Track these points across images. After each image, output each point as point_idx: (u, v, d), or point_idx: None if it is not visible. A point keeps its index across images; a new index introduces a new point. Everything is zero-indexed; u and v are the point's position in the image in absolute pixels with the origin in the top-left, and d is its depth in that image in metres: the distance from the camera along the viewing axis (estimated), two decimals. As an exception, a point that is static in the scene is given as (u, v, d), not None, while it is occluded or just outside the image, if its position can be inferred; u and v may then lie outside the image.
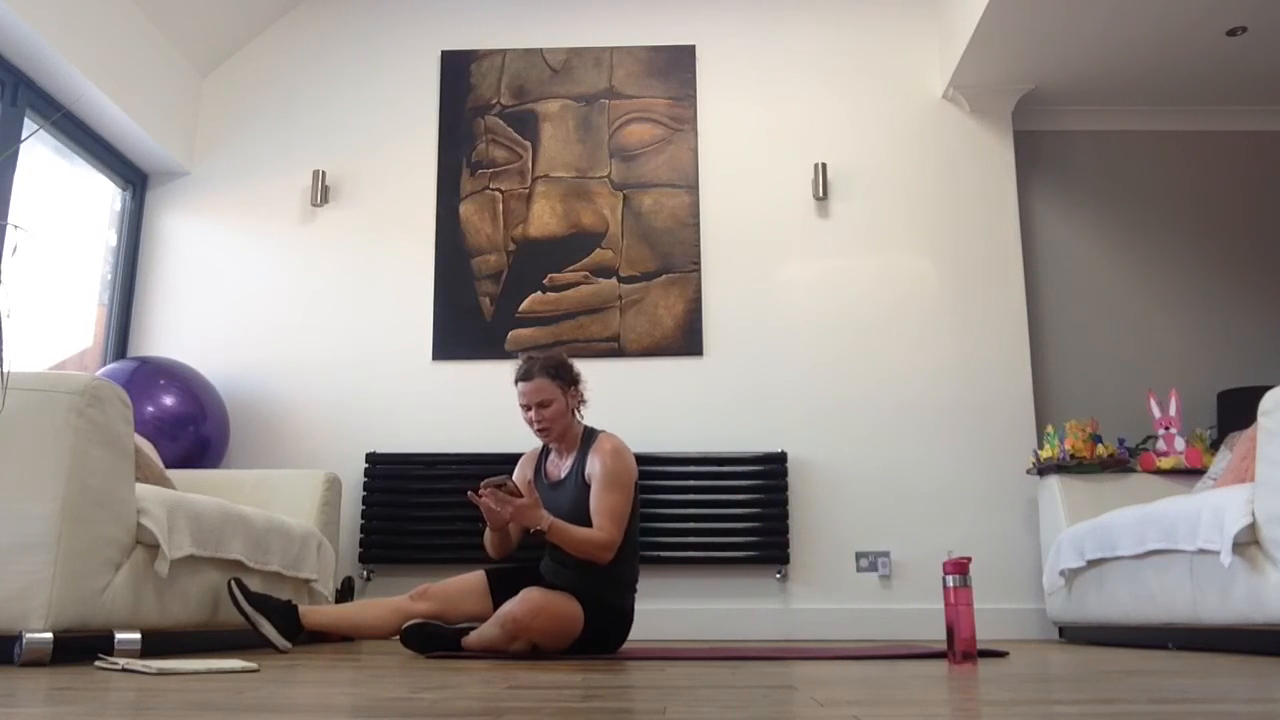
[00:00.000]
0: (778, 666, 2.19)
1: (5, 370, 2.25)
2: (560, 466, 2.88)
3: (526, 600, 2.60)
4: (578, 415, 2.88)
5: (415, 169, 4.57)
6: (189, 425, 3.86)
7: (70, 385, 2.30)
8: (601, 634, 2.72)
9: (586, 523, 2.72)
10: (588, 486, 2.76)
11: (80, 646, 2.34)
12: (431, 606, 2.80)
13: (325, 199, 4.51)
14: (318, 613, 2.79)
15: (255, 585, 3.04)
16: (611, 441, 2.78)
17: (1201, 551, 2.82)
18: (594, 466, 2.75)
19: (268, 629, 2.69)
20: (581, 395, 2.87)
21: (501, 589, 2.80)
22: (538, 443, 3.00)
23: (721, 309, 4.38)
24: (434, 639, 2.72)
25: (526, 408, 2.79)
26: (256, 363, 4.39)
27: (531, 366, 2.79)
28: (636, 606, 3.01)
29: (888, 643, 3.69)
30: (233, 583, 2.69)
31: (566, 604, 2.65)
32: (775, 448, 4.23)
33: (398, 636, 2.76)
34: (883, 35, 4.66)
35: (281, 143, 4.62)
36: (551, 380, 2.77)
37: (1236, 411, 4.10)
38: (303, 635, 2.80)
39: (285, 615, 2.72)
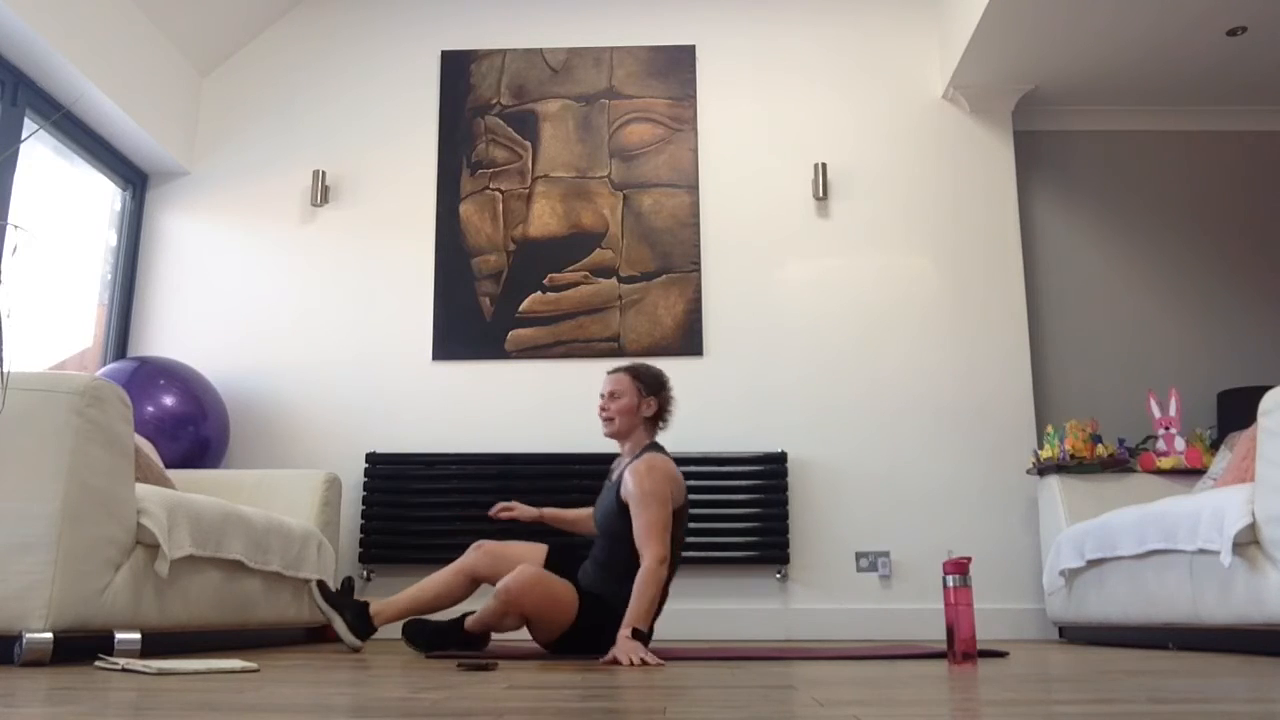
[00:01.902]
0: (778, 666, 2.19)
1: (5, 370, 2.25)
2: (615, 469, 2.96)
3: (521, 574, 2.64)
4: (647, 428, 2.90)
5: (415, 169, 4.57)
6: (189, 425, 3.86)
7: (70, 385, 2.30)
8: (594, 631, 2.73)
9: (620, 531, 2.76)
10: (623, 503, 2.78)
11: (80, 646, 2.34)
12: (483, 561, 2.87)
13: (325, 199, 4.51)
14: (388, 606, 2.86)
15: (256, 584, 3.04)
16: (649, 460, 2.76)
17: (1201, 551, 2.82)
18: (628, 485, 2.76)
19: (340, 625, 2.78)
20: (656, 407, 2.89)
21: (560, 566, 2.86)
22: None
23: (721, 309, 4.38)
24: (437, 633, 2.74)
25: (602, 396, 2.92)
26: (256, 363, 4.39)
27: (622, 365, 2.96)
28: None
29: (888, 643, 3.69)
30: (315, 584, 2.84)
31: (562, 589, 2.69)
32: (775, 448, 4.23)
33: (402, 634, 2.79)
34: (883, 35, 4.66)
35: (281, 143, 4.62)
36: (631, 379, 2.89)
37: (1236, 411, 4.10)
38: (375, 633, 2.88)
39: (357, 614, 2.81)
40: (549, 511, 3.09)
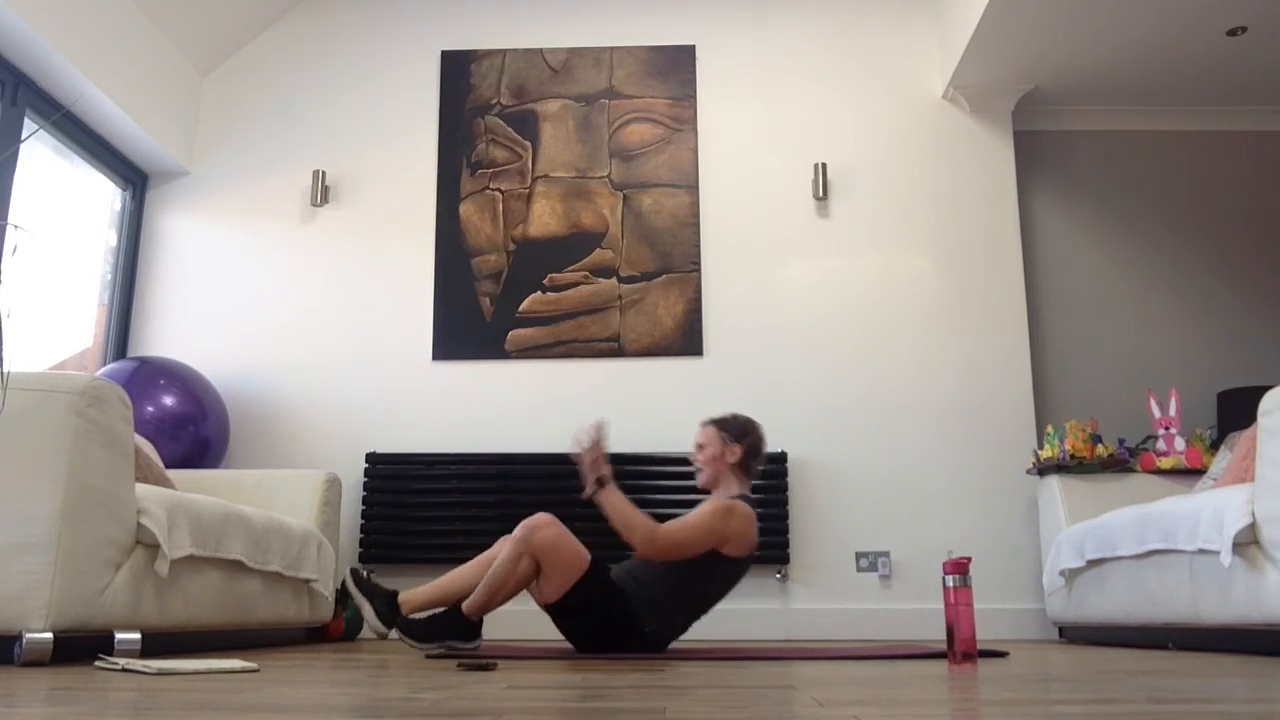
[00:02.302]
0: (778, 666, 2.19)
1: (5, 370, 2.25)
2: None
3: (539, 516, 2.72)
4: (737, 475, 2.98)
5: (415, 169, 4.57)
6: (189, 425, 3.86)
7: (70, 385, 2.30)
8: (595, 611, 2.74)
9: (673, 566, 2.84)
10: None
11: (80, 646, 2.34)
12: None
13: (325, 199, 4.51)
14: (416, 595, 2.87)
15: (256, 584, 3.04)
16: (734, 505, 2.85)
17: (1201, 551, 2.82)
18: (704, 505, 2.89)
19: (368, 611, 2.81)
20: (741, 453, 2.98)
21: None
22: None
23: (721, 309, 4.38)
24: (431, 624, 2.76)
25: (694, 448, 3.07)
26: (256, 363, 4.39)
27: (710, 418, 3.07)
28: None
29: (888, 643, 3.69)
30: (349, 571, 2.89)
31: (577, 544, 2.73)
32: (775, 448, 4.23)
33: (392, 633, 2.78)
34: (883, 35, 4.66)
35: (281, 143, 4.62)
36: (717, 430, 3.01)
37: (1236, 411, 4.10)
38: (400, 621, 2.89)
39: (387, 602, 2.84)
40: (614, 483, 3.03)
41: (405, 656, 2.65)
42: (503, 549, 2.76)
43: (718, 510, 2.82)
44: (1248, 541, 2.60)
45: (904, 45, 4.65)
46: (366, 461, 4.18)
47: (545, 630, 4.04)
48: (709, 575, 2.83)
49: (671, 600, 2.80)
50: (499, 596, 2.73)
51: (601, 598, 2.75)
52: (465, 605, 2.75)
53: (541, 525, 2.70)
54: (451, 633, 2.76)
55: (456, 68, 4.65)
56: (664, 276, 4.40)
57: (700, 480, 3.03)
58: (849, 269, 4.42)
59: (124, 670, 1.96)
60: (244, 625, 3.01)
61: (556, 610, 2.76)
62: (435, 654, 2.69)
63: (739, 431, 3.00)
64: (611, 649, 2.77)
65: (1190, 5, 3.86)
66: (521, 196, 4.50)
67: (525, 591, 2.83)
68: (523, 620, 4.04)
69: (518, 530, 2.71)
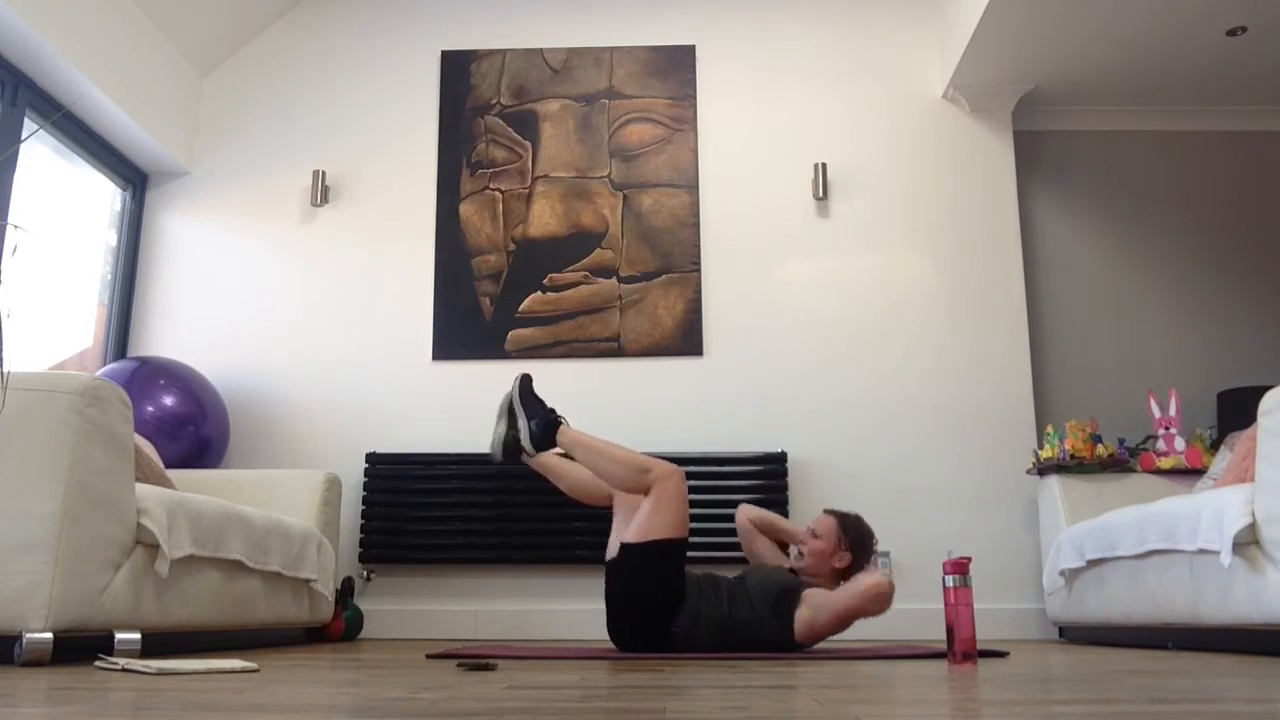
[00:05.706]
0: (778, 666, 2.19)
1: (5, 370, 2.25)
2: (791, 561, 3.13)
3: (682, 476, 2.81)
4: (833, 580, 2.96)
5: (415, 169, 4.57)
6: (189, 425, 3.86)
7: (70, 385, 2.30)
8: (647, 580, 2.77)
9: (771, 601, 2.83)
10: (798, 592, 2.84)
11: (80, 646, 2.34)
12: (671, 485, 2.86)
13: (325, 199, 4.51)
14: (579, 435, 2.91)
15: (256, 584, 3.04)
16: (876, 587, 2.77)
17: (1201, 551, 2.82)
18: (827, 593, 2.84)
19: (522, 426, 2.91)
20: (849, 562, 2.95)
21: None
22: None
23: (721, 309, 4.38)
24: (540, 406, 2.95)
25: (807, 529, 3.04)
26: (256, 363, 4.39)
27: (836, 510, 3.10)
28: None
29: (888, 643, 3.69)
30: (521, 378, 2.97)
31: (685, 516, 2.79)
32: (775, 448, 4.23)
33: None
34: (883, 35, 4.66)
35: (281, 143, 4.62)
36: (837, 525, 2.98)
37: (1236, 411, 4.10)
38: (538, 452, 2.94)
39: (544, 428, 2.91)
40: None
41: (404, 656, 2.65)
42: (643, 461, 2.81)
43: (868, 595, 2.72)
44: (1248, 541, 2.60)
45: (904, 45, 4.65)
46: (366, 461, 4.18)
47: (545, 630, 4.04)
48: (758, 630, 2.80)
49: (717, 627, 2.79)
50: (593, 457, 2.82)
51: (665, 572, 2.76)
52: (565, 426, 2.88)
53: (681, 478, 2.77)
54: (539, 415, 2.89)
55: (456, 68, 4.65)
56: (664, 276, 4.40)
57: (799, 564, 2.99)
58: (849, 269, 4.42)
59: (124, 670, 1.96)
60: (244, 625, 3.01)
61: (627, 553, 2.77)
62: (436, 654, 2.68)
63: (856, 540, 2.96)
64: (632, 622, 2.76)
65: (1190, 5, 3.86)
66: (521, 196, 4.50)
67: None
68: (523, 620, 4.04)
69: (669, 465, 2.78)
